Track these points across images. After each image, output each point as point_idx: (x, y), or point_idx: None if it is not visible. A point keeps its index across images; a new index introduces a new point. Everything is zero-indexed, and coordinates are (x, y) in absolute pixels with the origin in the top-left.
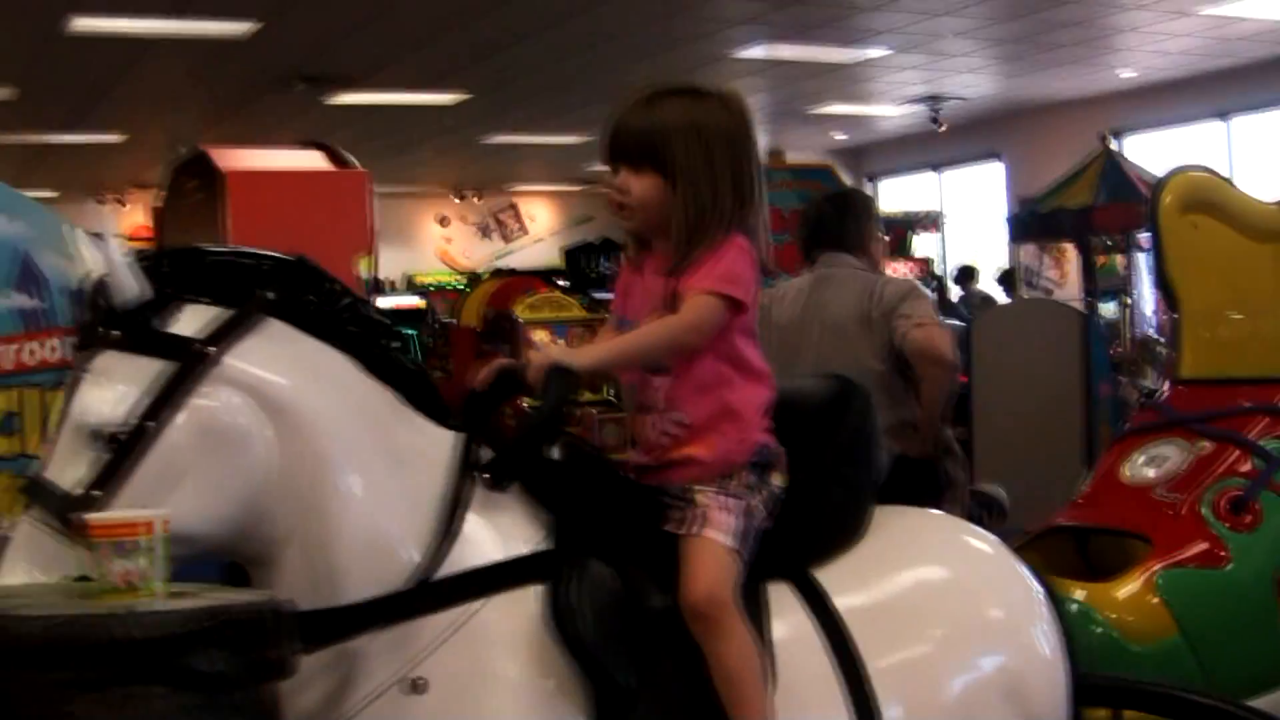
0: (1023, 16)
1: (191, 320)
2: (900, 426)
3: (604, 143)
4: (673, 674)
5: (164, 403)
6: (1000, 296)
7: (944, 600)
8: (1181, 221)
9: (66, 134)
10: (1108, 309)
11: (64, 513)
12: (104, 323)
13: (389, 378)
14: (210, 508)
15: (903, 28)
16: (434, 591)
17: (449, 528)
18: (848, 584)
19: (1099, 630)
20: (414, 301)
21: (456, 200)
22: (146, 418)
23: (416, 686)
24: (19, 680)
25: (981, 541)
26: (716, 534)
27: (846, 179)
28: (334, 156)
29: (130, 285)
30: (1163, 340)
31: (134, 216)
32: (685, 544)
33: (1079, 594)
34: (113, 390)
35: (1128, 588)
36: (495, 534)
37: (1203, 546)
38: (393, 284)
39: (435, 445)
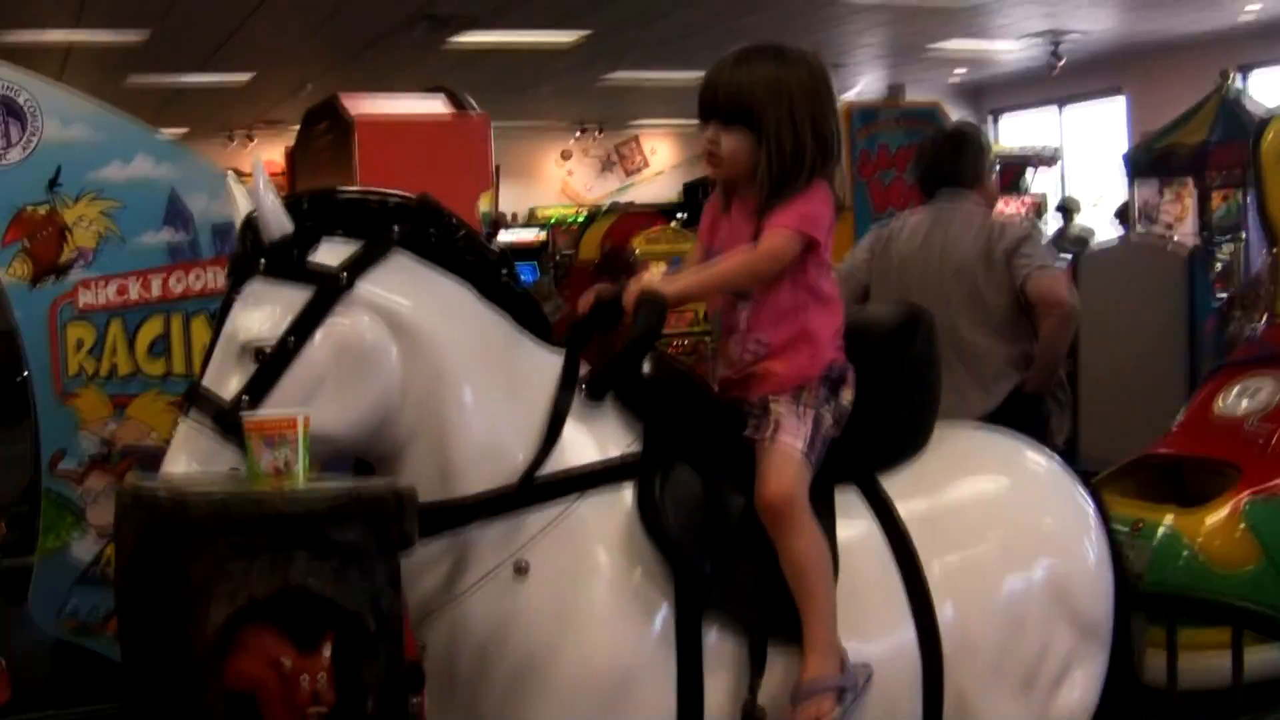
0: None
1: (328, 252)
2: (1020, 358)
3: (699, 100)
4: (748, 565)
5: (305, 323)
6: (1114, 232)
7: (998, 508)
8: None
9: (197, 75)
10: (1228, 248)
11: (219, 416)
12: (253, 254)
13: (501, 303)
14: (345, 413)
15: None
16: (537, 488)
17: (551, 434)
18: (910, 490)
19: (1185, 555)
20: (535, 235)
21: (578, 135)
22: (290, 335)
23: (520, 570)
24: (192, 545)
25: (1038, 456)
26: (789, 439)
27: (967, 116)
28: (455, 101)
29: (276, 221)
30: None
31: (262, 152)
32: (761, 448)
33: (1168, 520)
34: (261, 312)
35: (1215, 515)
36: (592, 440)
37: None
38: (514, 218)
39: (541, 363)
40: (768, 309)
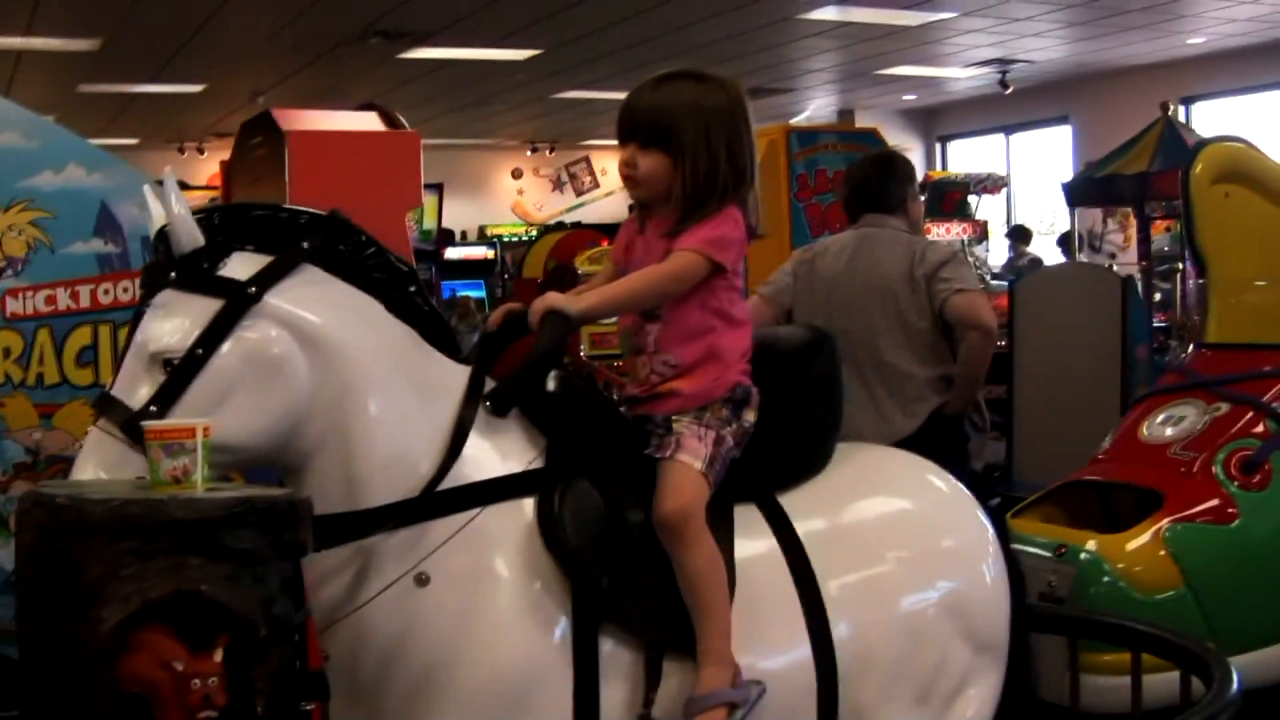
0: None
1: (239, 265)
2: (940, 381)
3: (618, 122)
4: (646, 579)
5: (213, 334)
6: (1056, 259)
7: (897, 526)
8: (1212, 191)
9: (149, 84)
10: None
11: (127, 424)
12: (165, 265)
13: (409, 318)
14: (251, 423)
15: None
16: (439, 500)
17: (455, 447)
18: (810, 509)
19: (1107, 580)
20: (484, 252)
21: (530, 153)
22: (198, 346)
23: (421, 581)
24: (87, 548)
25: (939, 479)
26: (689, 458)
27: (916, 141)
28: (388, 118)
29: (187, 234)
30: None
31: (211, 165)
32: (661, 466)
33: (1090, 544)
34: (171, 322)
35: (1137, 540)
36: (495, 453)
37: (1213, 503)
38: (464, 235)
39: (447, 376)
40: (676, 329)
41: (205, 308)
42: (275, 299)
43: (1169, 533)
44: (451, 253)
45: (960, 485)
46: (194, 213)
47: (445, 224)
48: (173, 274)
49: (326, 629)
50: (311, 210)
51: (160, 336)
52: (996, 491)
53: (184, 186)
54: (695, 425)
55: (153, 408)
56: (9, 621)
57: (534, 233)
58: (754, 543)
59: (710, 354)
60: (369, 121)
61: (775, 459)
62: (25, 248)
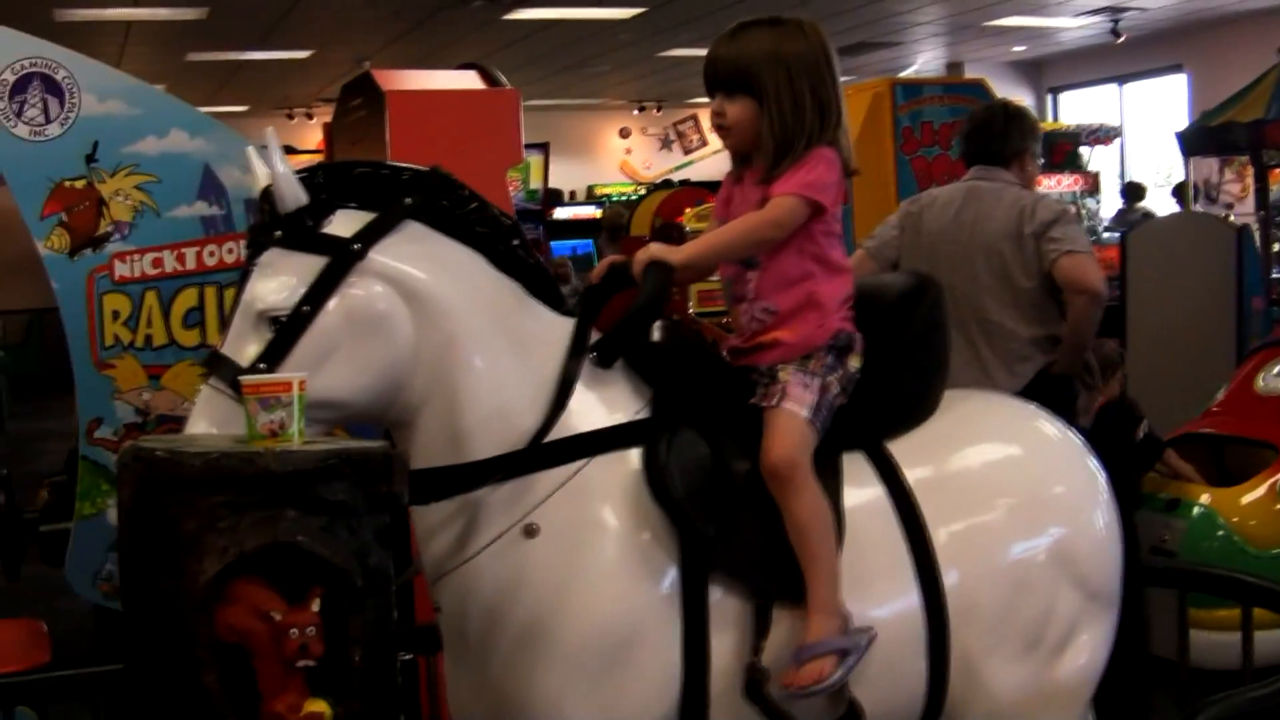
0: None
1: (342, 222)
2: (1046, 340)
3: (704, 76)
4: (753, 528)
5: (319, 291)
6: (1171, 211)
7: (1005, 473)
8: None
9: (256, 51)
10: None
11: (237, 380)
12: (270, 225)
13: (513, 271)
14: (357, 379)
15: None
16: (545, 451)
17: (560, 399)
18: (917, 456)
19: (1220, 534)
20: (591, 212)
21: (637, 112)
22: (304, 303)
23: (530, 532)
24: (183, 501)
25: (1049, 425)
26: (794, 406)
27: (1026, 93)
28: (487, 77)
29: (291, 193)
30: None
31: (319, 131)
32: (767, 414)
33: (1204, 498)
34: (277, 280)
35: (1251, 494)
36: (601, 404)
37: None
38: (573, 194)
39: (551, 329)
40: (774, 276)
41: (310, 265)
42: (379, 255)
43: None
44: (560, 213)
45: (1071, 431)
46: (297, 172)
47: (552, 184)
48: (278, 232)
49: (436, 581)
50: (413, 166)
51: (266, 295)
52: None
53: (291, 151)
54: (800, 373)
55: (261, 365)
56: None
57: (642, 192)
58: (862, 491)
59: (810, 300)
60: (468, 80)
61: (881, 407)
62: (131, 212)
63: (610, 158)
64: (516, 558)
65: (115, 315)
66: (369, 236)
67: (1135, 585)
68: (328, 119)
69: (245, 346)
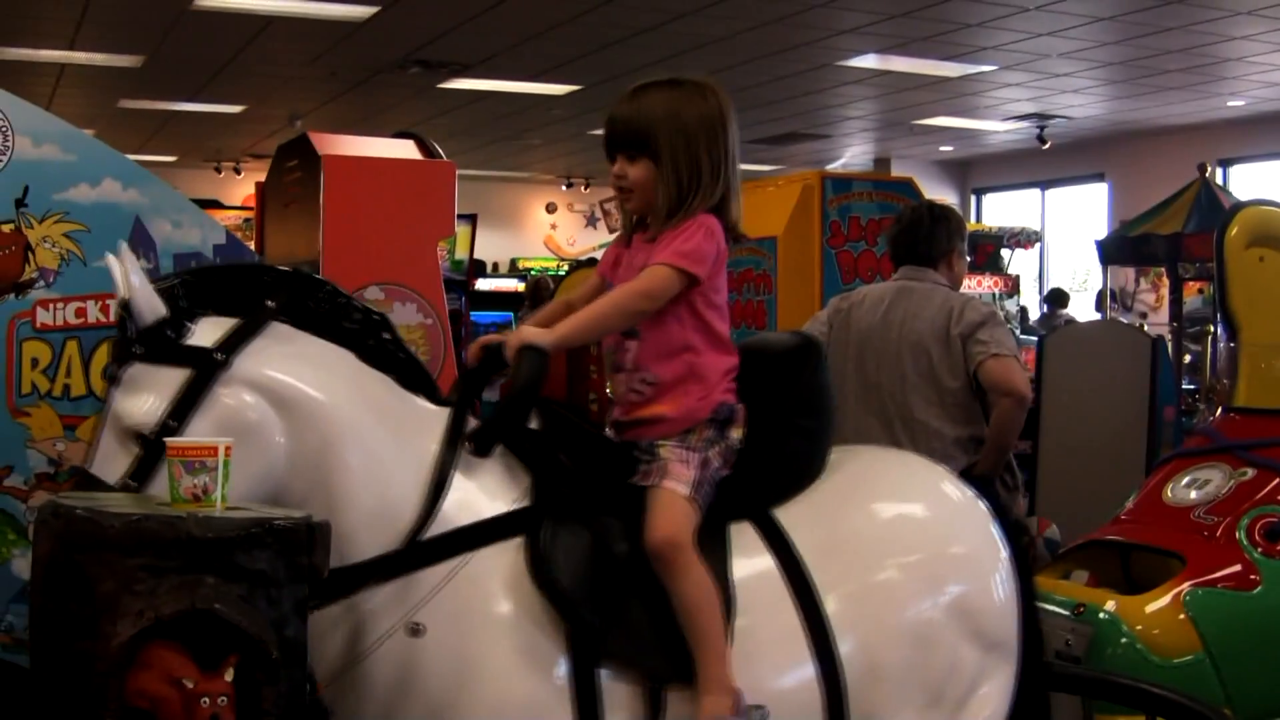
0: (1129, 41)
1: (206, 331)
2: (970, 441)
3: (604, 138)
4: (641, 611)
5: (184, 404)
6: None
7: (900, 531)
8: (1247, 255)
9: (189, 103)
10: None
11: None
12: (131, 339)
13: (384, 365)
14: (233, 489)
15: (1010, 45)
16: (425, 549)
17: (438, 492)
18: (807, 520)
19: (1124, 641)
20: (514, 285)
21: (565, 188)
22: (170, 419)
23: (417, 630)
24: (102, 561)
25: (952, 485)
26: (674, 484)
27: (951, 193)
28: (424, 147)
29: (149, 306)
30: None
31: (247, 186)
32: (648, 493)
33: (1109, 605)
34: (140, 396)
35: (1157, 603)
36: (480, 494)
37: (1234, 569)
38: (496, 266)
39: (427, 421)
40: (655, 346)
41: (174, 378)
42: (245, 362)
43: (1189, 597)
44: (482, 284)
45: (974, 494)
46: (157, 280)
47: (477, 255)
48: (138, 348)
49: (329, 684)
50: (276, 266)
51: (132, 412)
52: None
53: (219, 206)
54: (680, 449)
55: (132, 483)
56: (22, 631)
57: (565, 268)
58: (751, 561)
59: (691, 372)
60: (405, 149)
61: (766, 474)
62: (58, 259)
63: (536, 231)
64: (405, 657)
65: (34, 363)
66: (232, 344)
67: (1040, 690)
68: (257, 175)
69: (114, 464)
